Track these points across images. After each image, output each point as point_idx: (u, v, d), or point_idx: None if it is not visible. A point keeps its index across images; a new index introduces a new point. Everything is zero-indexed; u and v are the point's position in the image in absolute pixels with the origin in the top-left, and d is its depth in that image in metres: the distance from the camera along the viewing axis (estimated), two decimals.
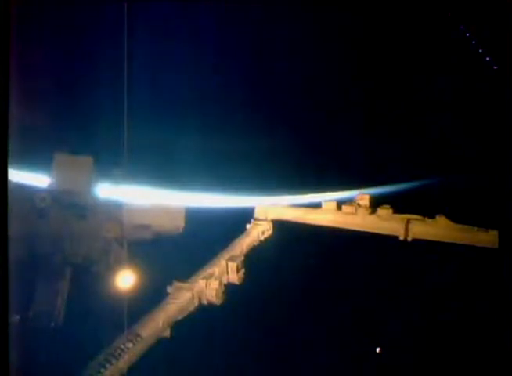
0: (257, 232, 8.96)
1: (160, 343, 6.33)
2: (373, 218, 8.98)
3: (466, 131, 11.10)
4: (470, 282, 8.99)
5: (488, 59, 11.91)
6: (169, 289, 7.04)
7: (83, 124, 8.28)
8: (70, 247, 6.88)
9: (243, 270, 7.86)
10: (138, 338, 5.96)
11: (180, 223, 7.60)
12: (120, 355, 5.63)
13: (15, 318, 5.46)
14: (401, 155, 11.05)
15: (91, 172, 7.26)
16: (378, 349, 9.90)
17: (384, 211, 8.93)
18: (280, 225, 9.25)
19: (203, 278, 7.31)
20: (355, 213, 9.04)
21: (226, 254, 7.96)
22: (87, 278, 6.95)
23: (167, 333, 6.52)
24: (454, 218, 8.61)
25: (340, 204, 9.25)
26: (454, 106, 11.37)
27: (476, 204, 9.14)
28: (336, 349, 9.38)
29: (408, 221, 8.70)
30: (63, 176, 7.15)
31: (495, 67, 11.51)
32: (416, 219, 8.74)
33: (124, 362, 5.61)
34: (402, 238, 8.69)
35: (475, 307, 8.77)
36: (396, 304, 9.61)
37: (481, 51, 12.13)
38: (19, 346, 4.63)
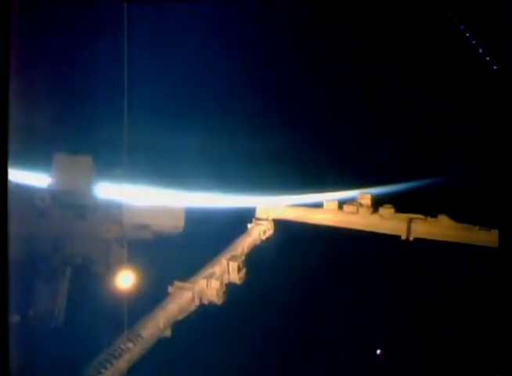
0: (259, 231, 8.94)
1: (160, 343, 6.30)
2: (374, 217, 8.97)
3: (467, 131, 11.08)
4: (472, 281, 8.96)
5: (488, 59, 11.90)
6: (170, 289, 7.02)
7: (83, 124, 8.27)
8: (70, 247, 6.87)
9: (244, 270, 7.83)
10: (139, 338, 5.93)
11: (180, 223, 7.58)
12: (120, 355, 5.60)
13: (15, 318, 5.43)
14: (402, 154, 11.02)
15: (91, 172, 7.24)
16: (379, 351, 9.87)
17: (386, 211, 8.92)
18: (282, 225, 9.23)
19: (204, 278, 7.28)
20: (357, 212, 9.03)
21: (227, 254, 7.93)
22: (87, 278, 6.93)
23: (167, 333, 6.49)
24: (456, 217, 8.58)
25: (341, 203, 9.24)
26: (455, 105, 11.35)
27: (478, 203, 9.11)
28: (337, 350, 9.35)
29: (410, 220, 8.69)
30: (63, 176, 7.14)
31: (495, 67, 11.50)
32: (418, 219, 8.73)
33: (124, 362, 5.58)
34: (403, 237, 8.68)
35: (477, 306, 8.73)
36: (398, 304, 9.57)
37: (481, 51, 12.13)
38: (19, 346, 4.61)
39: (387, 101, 11.40)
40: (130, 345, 5.78)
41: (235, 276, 7.69)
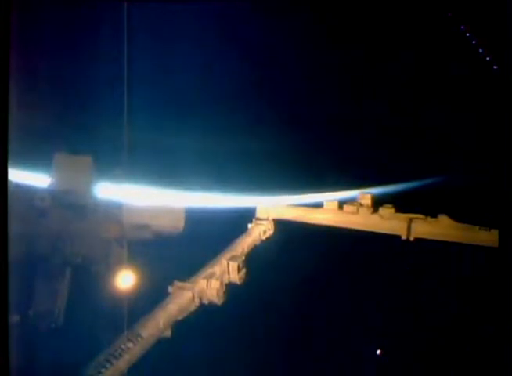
0: (259, 231, 8.94)
1: (160, 343, 6.30)
2: (374, 217, 8.98)
3: (467, 131, 11.08)
4: (472, 281, 8.95)
5: (488, 59, 11.89)
6: (170, 289, 7.02)
7: (83, 124, 8.26)
8: (70, 247, 6.86)
9: (244, 270, 7.83)
10: (139, 338, 5.93)
11: (180, 223, 7.57)
12: (120, 355, 5.60)
13: (15, 318, 5.43)
14: (403, 154, 11.02)
15: (91, 172, 7.24)
16: (379, 351, 9.87)
17: (386, 211, 8.93)
18: (282, 225, 9.23)
19: (204, 278, 7.29)
20: (357, 212, 9.03)
21: (227, 254, 7.93)
22: (87, 278, 6.93)
23: (167, 333, 6.49)
24: (456, 217, 8.59)
25: (341, 203, 9.25)
26: (455, 105, 11.34)
27: (478, 203, 9.11)
28: (337, 350, 9.34)
29: (410, 220, 8.69)
30: (63, 176, 7.13)
31: (495, 67, 11.49)
32: (418, 218, 8.74)
33: (124, 362, 5.57)
34: (404, 237, 8.69)
35: (477, 306, 8.73)
36: (398, 303, 9.57)
37: (481, 51, 12.12)
38: (19, 346, 4.61)
39: (387, 101, 11.40)
40: (130, 345, 5.77)
41: (235, 276, 7.69)
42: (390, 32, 11.32)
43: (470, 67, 11.70)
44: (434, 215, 8.70)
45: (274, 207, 9.41)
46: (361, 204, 9.13)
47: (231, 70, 10.54)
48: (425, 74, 11.48)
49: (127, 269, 6.90)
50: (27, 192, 6.90)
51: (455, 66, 11.47)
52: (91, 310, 6.57)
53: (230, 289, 7.57)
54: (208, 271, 7.48)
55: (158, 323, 6.31)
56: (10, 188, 4.40)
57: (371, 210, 9.08)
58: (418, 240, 8.62)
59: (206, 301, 7.23)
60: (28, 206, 6.73)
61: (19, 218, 5.18)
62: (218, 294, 7.24)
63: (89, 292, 6.79)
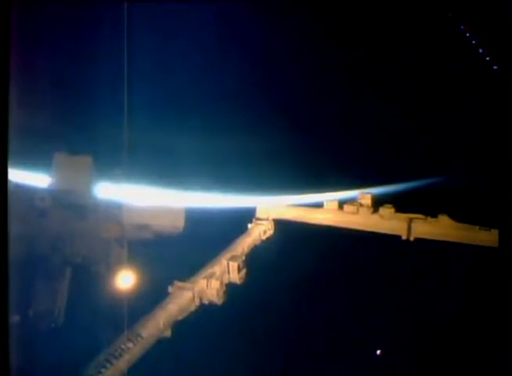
0: (259, 231, 8.95)
1: (160, 343, 6.30)
2: (375, 217, 8.98)
3: (467, 131, 11.08)
4: (472, 281, 8.95)
5: (488, 59, 11.89)
6: (170, 289, 7.02)
7: (83, 124, 8.26)
8: (70, 247, 6.87)
9: (244, 270, 7.83)
10: (139, 338, 5.94)
11: (180, 223, 7.58)
12: (120, 355, 5.60)
13: (15, 318, 5.43)
14: (403, 154, 11.03)
15: (91, 172, 7.25)
16: (379, 351, 9.87)
17: (386, 211, 8.93)
18: (282, 225, 9.23)
19: (204, 278, 7.29)
20: (357, 212, 9.04)
21: (227, 254, 7.94)
22: (87, 278, 6.93)
23: (167, 333, 6.49)
24: (456, 217, 8.59)
25: (342, 203, 9.25)
26: (455, 105, 11.34)
27: (478, 203, 9.11)
28: (337, 349, 9.35)
29: (410, 220, 8.70)
30: (63, 176, 7.14)
31: (495, 67, 11.48)
32: (419, 218, 8.74)
33: (124, 362, 5.58)
34: (404, 237, 8.69)
35: (477, 306, 8.73)
36: (398, 303, 9.57)
37: (481, 51, 12.11)
38: (19, 346, 4.61)
39: (387, 101, 11.40)
40: (130, 345, 5.78)
41: (235, 276, 7.69)
42: (390, 32, 11.31)
43: (470, 67, 11.69)
44: (434, 215, 8.70)
45: (274, 207, 9.41)
46: (361, 204, 9.14)
47: (231, 70, 10.54)
48: (425, 74, 11.48)
49: (127, 269, 6.91)
50: (27, 192, 6.90)
51: (455, 66, 11.46)
52: (92, 310, 6.58)
53: (230, 289, 7.57)
54: (208, 271, 7.48)
55: (158, 323, 6.31)
56: (10, 188, 4.40)
57: (371, 210, 9.08)
58: (418, 240, 8.61)
59: (206, 301, 7.24)
60: (28, 206, 6.74)
61: (19, 218, 5.18)
62: (218, 294, 7.24)
63: (89, 292, 6.80)
